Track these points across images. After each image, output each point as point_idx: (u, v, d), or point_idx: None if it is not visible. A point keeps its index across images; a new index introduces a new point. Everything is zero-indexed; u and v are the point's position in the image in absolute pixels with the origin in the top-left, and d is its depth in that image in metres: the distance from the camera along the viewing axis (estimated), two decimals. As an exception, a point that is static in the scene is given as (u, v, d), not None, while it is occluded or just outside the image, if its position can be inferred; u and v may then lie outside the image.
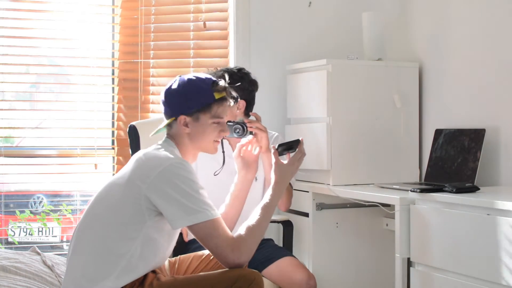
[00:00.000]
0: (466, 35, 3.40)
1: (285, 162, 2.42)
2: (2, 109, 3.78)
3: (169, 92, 2.34)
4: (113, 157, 3.90)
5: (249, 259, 2.21)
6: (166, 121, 2.35)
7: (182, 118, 2.31)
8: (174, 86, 2.33)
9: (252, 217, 2.27)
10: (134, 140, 3.17)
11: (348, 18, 4.05)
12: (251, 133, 2.74)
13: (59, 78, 4.05)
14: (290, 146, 2.47)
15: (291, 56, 3.95)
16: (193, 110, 2.31)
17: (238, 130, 2.75)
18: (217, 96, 2.33)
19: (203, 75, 2.39)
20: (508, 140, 3.12)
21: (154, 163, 2.20)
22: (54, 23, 3.88)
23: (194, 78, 2.34)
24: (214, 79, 2.36)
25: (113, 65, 3.96)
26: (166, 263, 2.46)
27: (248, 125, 2.76)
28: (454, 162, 3.20)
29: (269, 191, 2.34)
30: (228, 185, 2.69)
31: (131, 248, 2.17)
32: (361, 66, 3.56)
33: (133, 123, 3.24)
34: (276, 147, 2.43)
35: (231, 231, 2.22)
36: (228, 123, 2.66)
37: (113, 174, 3.79)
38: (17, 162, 3.83)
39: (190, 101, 2.31)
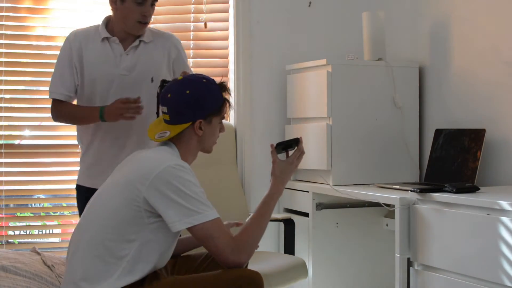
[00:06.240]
0: (466, 35, 3.39)
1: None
2: (2, 109, 3.78)
3: (183, 98, 2.28)
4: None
5: (249, 259, 2.21)
6: (179, 126, 2.28)
7: (198, 122, 2.29)
8: (185, 90, 2.28)
9: (252, 216, 2.27)
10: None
11: (348, 18, 4.05)
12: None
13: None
14: (289, 145, 2.44)
15: (291, 56, 3.94)
16: (210, 113, 2.31)
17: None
18: (224, 96, 2.34)
19: (202, 76, 2.38)
20: (508, 140, 3.12)
21: (153, 165, 2.19)
22: (53, 22, 3.88)
23: (204, 80, 2.33)
24: (211, 78, 2.36)
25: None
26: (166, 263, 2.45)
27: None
28: (454, 162, 3.20)
29: (268, 190, 2.34)
30: None
31: (131, 250, 2.16)
32: (361, 66, 3.55)
33: None
34: (275, 145, 2.40)
35: None
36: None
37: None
38: (18, 161, 3.82)
39: (207, 104, 2.29)
